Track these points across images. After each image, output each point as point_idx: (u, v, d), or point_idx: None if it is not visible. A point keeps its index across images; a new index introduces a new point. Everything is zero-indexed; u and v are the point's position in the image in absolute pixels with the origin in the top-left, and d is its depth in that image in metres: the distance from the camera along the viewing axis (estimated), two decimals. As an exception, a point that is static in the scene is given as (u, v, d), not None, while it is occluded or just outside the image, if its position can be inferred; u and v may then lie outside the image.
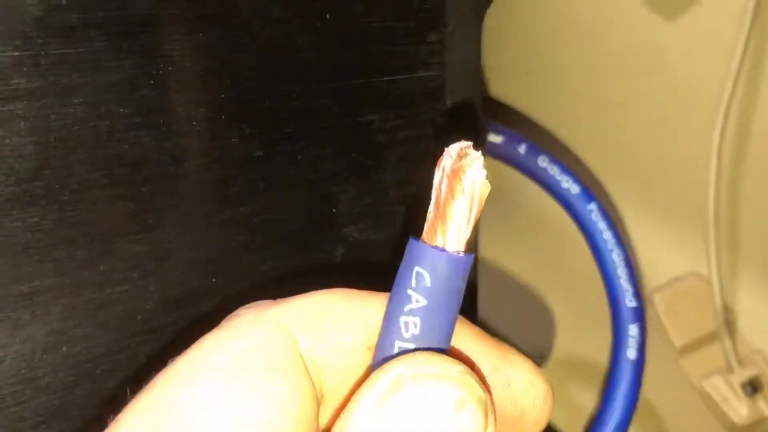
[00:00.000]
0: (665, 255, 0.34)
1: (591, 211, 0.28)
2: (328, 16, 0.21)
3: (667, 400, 0.35)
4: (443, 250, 0.14)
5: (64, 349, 0.18)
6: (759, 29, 0.30)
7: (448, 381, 0.13)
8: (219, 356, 0.14)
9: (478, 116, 0.25)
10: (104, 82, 0.18)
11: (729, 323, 0.33)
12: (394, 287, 0.15)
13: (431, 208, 0.14)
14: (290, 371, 0.14)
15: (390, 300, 0.15)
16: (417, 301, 0.14)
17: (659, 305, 0.33)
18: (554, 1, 0.34)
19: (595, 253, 0.28)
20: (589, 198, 0.28)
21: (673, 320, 0.33)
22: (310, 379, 0.14)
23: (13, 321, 0.17)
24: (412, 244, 0.14)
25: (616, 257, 0.28)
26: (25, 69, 0.16)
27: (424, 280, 0.14)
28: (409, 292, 0.14)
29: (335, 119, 0.22)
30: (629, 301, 0.28)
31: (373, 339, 0.15)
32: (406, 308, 0.14)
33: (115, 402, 0.14)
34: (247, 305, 0.16)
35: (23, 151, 0.17)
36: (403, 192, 0.24)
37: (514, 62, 0.36)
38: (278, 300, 0.16)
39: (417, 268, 0.14)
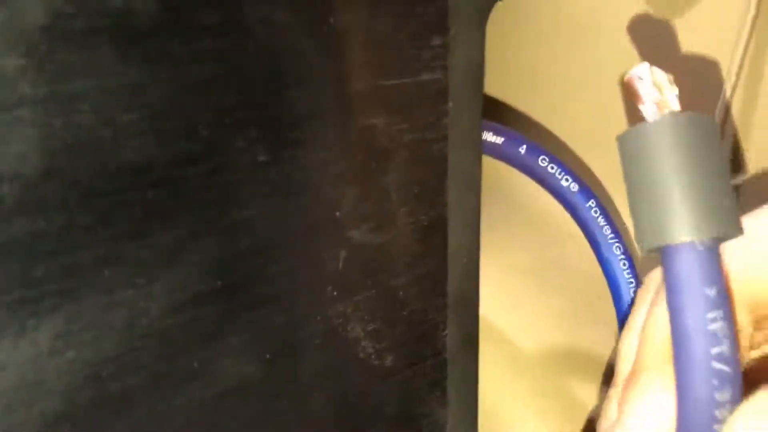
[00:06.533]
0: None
1: (591, 207, 0.28)
2: (332, 21, 0.21)
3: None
4: None
5: (70, 353, 0.18)
6: (761, 28, 0.30)
7: None
8: None
9: (479, 117, 0.25)
10: (109, 88, 0.18)
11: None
12: None
13: None
14: None
15: None
16: None
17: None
18: (555, 0, 0.34)
19: (596, 248, 0.29)
20: (588, 195, 0.29)
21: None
22: None
23: (19, 326, 0.17)
24: None
25: (616, 250, 0.28)
26: (30, 76, 0.16)
27: None
28: None
29: (339, 123, 0.22)
30: (633, 293, 0.28)
31: None
32: None
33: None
34: None
35: (29, 158, 0.17)
36: (406, 194, 0.24)
37: (514, 62, 0.36)
38: None
39: None
